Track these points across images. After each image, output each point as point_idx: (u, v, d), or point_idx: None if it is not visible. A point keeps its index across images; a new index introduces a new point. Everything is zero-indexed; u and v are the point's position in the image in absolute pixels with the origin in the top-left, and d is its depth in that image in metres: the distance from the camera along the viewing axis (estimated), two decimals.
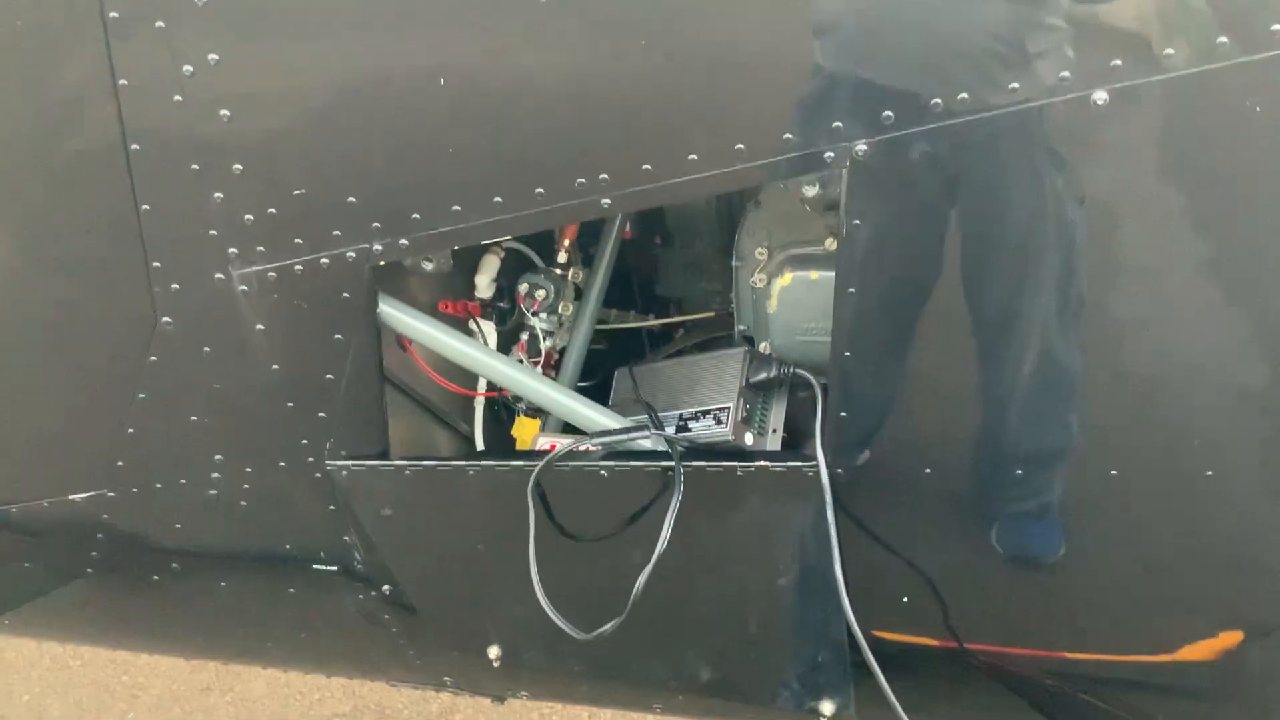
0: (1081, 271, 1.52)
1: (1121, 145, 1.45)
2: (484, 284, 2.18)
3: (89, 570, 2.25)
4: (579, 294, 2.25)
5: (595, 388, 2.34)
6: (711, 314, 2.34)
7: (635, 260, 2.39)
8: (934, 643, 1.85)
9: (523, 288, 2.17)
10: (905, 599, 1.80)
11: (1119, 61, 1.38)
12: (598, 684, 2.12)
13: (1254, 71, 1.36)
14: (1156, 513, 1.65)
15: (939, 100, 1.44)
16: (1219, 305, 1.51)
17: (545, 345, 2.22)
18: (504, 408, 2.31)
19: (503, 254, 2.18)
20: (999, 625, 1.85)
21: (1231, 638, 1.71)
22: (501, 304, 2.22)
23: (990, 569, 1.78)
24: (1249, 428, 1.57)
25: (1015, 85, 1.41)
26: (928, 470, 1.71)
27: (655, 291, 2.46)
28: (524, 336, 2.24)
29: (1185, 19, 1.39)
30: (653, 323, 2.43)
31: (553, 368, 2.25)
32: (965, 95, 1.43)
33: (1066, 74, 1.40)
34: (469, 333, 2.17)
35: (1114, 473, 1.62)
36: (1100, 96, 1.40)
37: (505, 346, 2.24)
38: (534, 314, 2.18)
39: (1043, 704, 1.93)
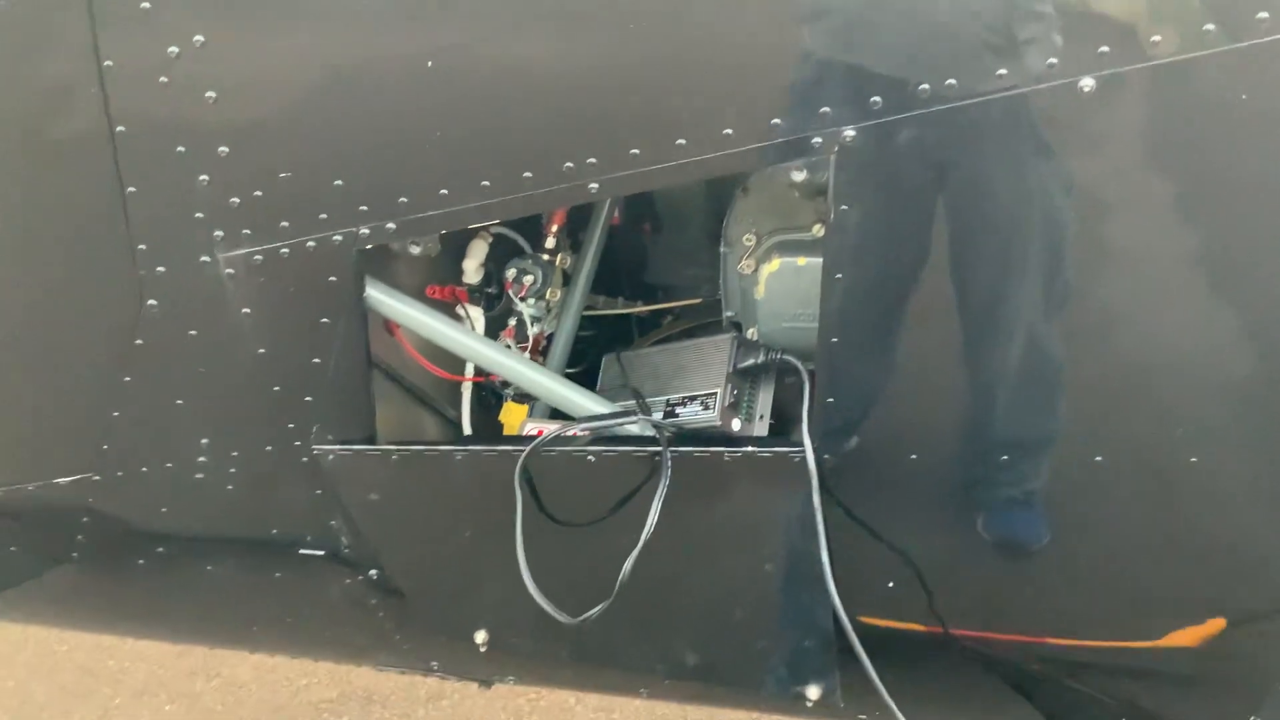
0: (1068, 259, 1.53)
1: (1109, 132, 1.46)
2: (472, 269, 2.17)
3: (74, 555, 2.24)
4: (567, 280, 2.24)
5: (583, 374, 2.34)
6: (699, 300, 2.34)
7: (623, 246, 2.39)
8: (920, 628, 1.85)
9: (510, 273, 2.16)
10: (891, 584, 1.81)
11: (1106, 49, 1.39)
12: (584, 669, 2.13)
13: (1241, 59, 1.36)
14: (1141, 499, 1.66)
15: (927, 86, 1.45)
16: (1205, 294, 1.52)
17: (533, 331, 2.22)
18: (491, 393, 2.31)
19: (491, 239, 2.17)
20: (984, 611, 1.85)
21: (1215, 624, 1.72)
22: (489, 289, 2.21)
23: (975, 555, 1.79)
24: (1234, 416, 1.58)
25: (1003, 72, 1.42)
26: (914, 456, 1.71)
27: (643, 278, 2.46)
28: (512, 322, 2.23)
29: (1172, 6, 1.40)
30: (640, 309, 2.43)
31: (540, 353, 2.25)
32: (953, 81, 1.43)
33: (1054, 61, 1.41)
34: (456, 318, 2.17)
35: (1098, 459, 1.63)
36: (1088, 83, 1.40)
37: (493, 332, 2.23)
38: (522, 299, 2.17)
39: (1028, 689, 1.94)
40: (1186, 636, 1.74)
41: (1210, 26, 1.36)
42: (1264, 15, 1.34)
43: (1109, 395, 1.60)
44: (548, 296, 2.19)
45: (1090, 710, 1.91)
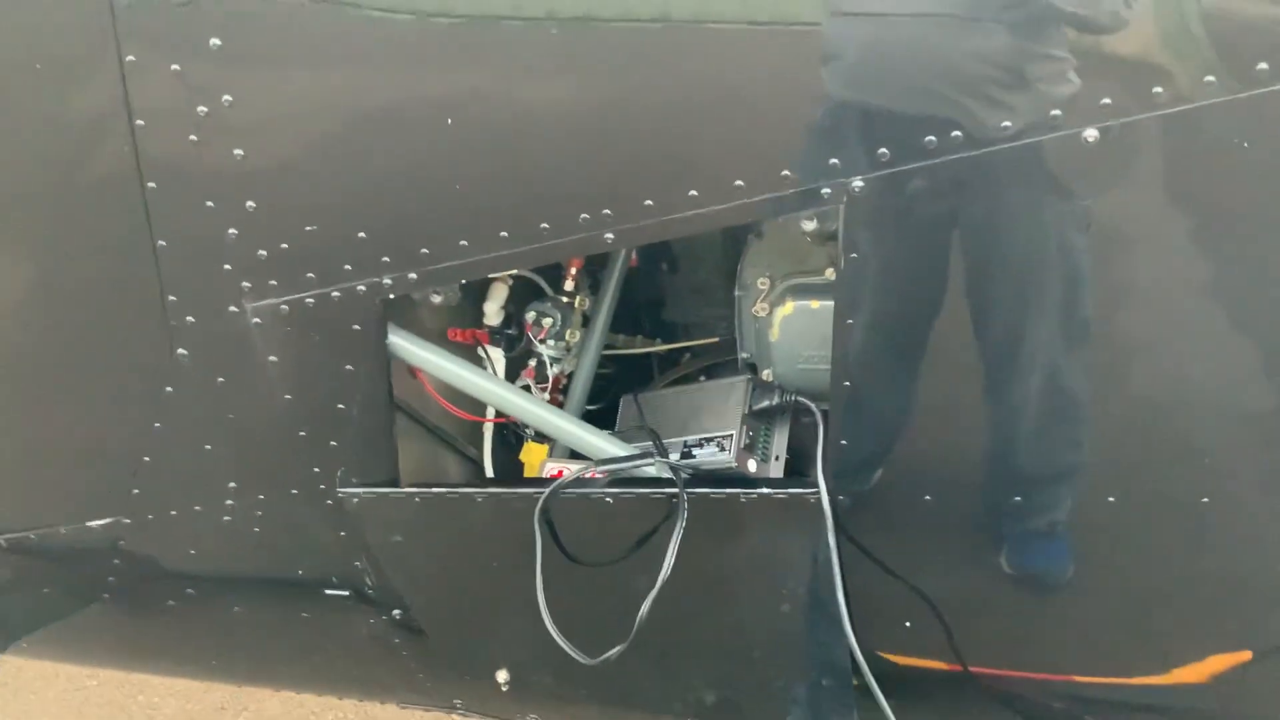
0: (1071, 306, 1.55)
1: (1112, 181, 1.48)
2: (492, 312, 2.21)
3: (105, 595, 2.28)
4: (586, 321, 2.28)
5: (603, 410, 2.37)
6: (716, 340, 2.37)
7: (641, 286, 2.42)
8: (939, 666, 1.86)
9: (530, 316, 2.20)
10: (908, 623, 1.82)
11: (1109, 100, 1.41)
12: (605, 707, 2.14)
13: (1241, 109, 1.38)
14: (1158, 536, 1.67)
15: (933, 138, 1.47)
16: (1213, 335, 1.54)
17: (553, 371, 2.25)
18: (512, 433, 2.34)
19: (511, 282, 2.21)
20: (1003, 649, 1.86)
21: (1235, 659, 1.73)
22: (510, 331, 2.24)
23: (994, 592, 1.80)
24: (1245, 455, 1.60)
25: (1008, 124, 1.44)
26: (928, 496, 1.73)
27: (661, 316, 2.49)
28: (532, 363, 2.26)
29: (1174, 58, 1.41)
30: (659, 348, 2.46)
31: (560, 392, 2.28)
32: (959, 134, 1.46)
33: (1058, 112, 1.43)
34: (478, 360, 2.20)
35: (1111, 499, 1.64)
36: (1091, 134, 1.42)
37: (513, 372, 2.27)
38: (541, 341, 2.20)
39: None
40: (1205, 672, 1.75)
41: (1211, 78, 1.38)
42: (1264, 66, 1.36)
43: (1121, 438, 1.62)
44: (567, 338, 2.23)
45: None
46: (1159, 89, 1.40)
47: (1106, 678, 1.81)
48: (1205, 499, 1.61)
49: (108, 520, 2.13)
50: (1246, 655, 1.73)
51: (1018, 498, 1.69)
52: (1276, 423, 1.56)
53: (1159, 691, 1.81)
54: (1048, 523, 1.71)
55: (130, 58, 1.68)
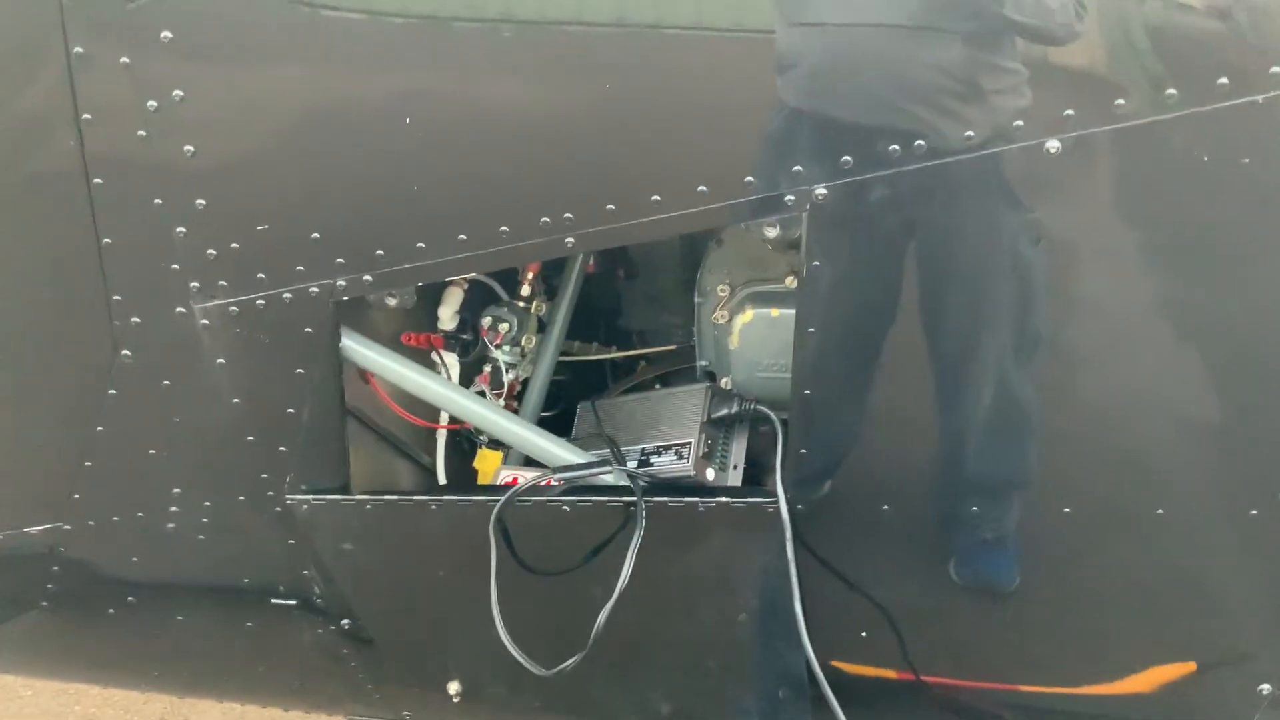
0: (1034, 312, 1.56)
1: (1074, 191, 1.49)
2: (447, 316, 2.18)
3: (43, 603, 2.21)
4: (542, 326, 2.26)
5: (558, 417, 2.34)
6: (673, 347, 2.36)
7: (598, 293, 2.41)
8: (892, 675, 1.86)
9: (486, 321, 2.17)
10: (864, 633, 1.82)
11: (1071, 111, 1.42)
12: (560, 718, 2.12)
13: (1202, 123, 1.39)
14: (1108, 546, 1.68)
15: (897, 147, 1.47)
16: (1173, 348, 1.55)
17: (508, 377, 2.22)
18: (466, 439, 2.31)
19: (466, 286, 2.18)
20: (955, 658, 1.86)
21: (1182, 669, 1.74)
22: (465, 336, 2.21)
23: (946, 601, 1.80)
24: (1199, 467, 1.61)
25: (970, 134, 1.45)
26: (886, 506, 1.72)
27: (618, 323, 2.47)
28: (487, 368, 2.24)
29: (1136, 71, 1.43)
30: (615, 355, 2.44)
31: (515, 398, 2.26)
32: (922, 143, 1.46)
33: (1020, 123, 1.44)
34: (432, 365, 2.17)
35: (1066, 510, 1.65)
36: (1053, 145, 1.43)
37: (468, 378, 2.24)
38: (497, 346, 2.18)
39: None
40: (1154, 682, 1.76)
41: (1172, 91, 1.39)
42: (1224, 81, 1.37)
43: (1076, 446, 1.62)
44: (523, 343, 2.20)
45: None
46: (1121, 101, 1.41)
47: (1057, 687, 1.81)
48: (1160, 510, 1.62)
49: (46, 526, 2.08)
50: (1191, 666, 1.74)
51: (975, 507, 1.69)
52: (1232, 434, 1.57)
53: (1108, 701, 1.81)
54: (998, 534, 1.71)
55: (78, 50, 1.65)
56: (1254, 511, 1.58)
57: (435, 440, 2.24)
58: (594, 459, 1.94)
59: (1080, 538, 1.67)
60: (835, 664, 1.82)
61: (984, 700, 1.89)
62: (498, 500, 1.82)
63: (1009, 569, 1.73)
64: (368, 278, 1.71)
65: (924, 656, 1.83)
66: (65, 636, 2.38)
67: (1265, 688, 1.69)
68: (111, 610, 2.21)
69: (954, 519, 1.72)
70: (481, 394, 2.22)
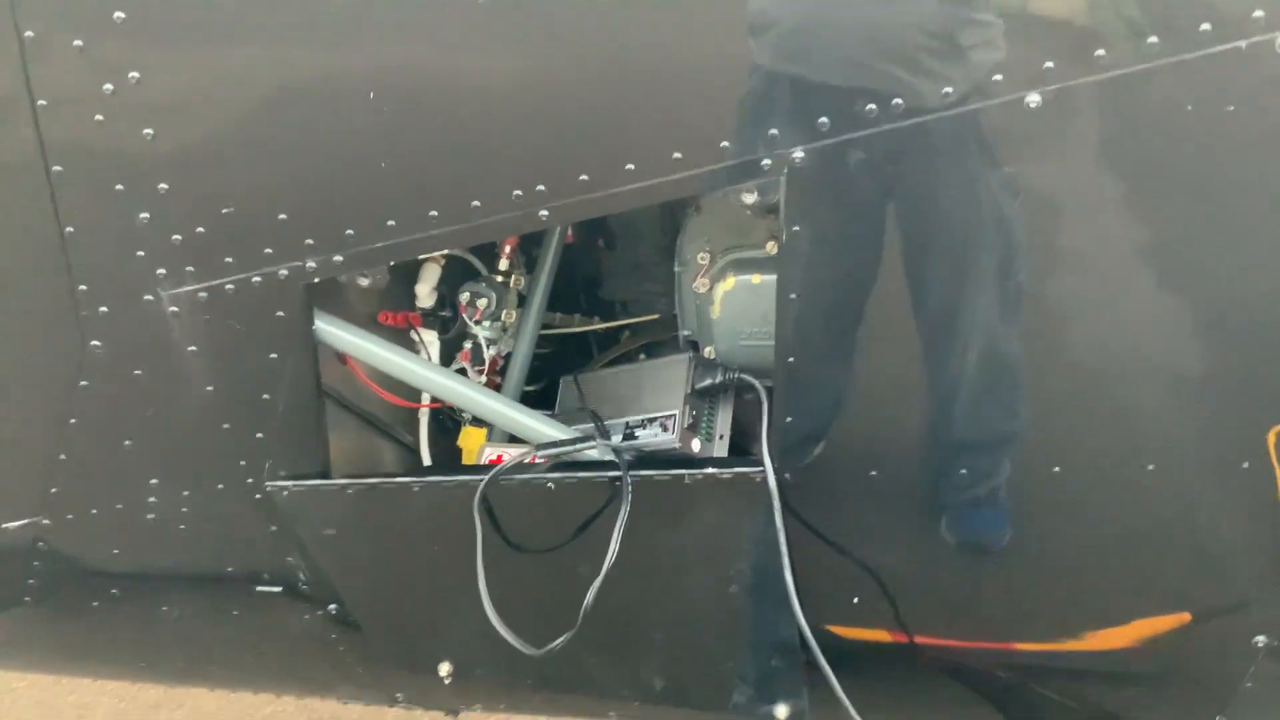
0: (1018, 270, 1.53)
1: (1056, 145, 1.46)
2: (425, 293, 2.15)
3: (26, 599, 2.19)
4: (522, 300, 2.23)
5: (541, 391, 2.32)
6: (656, 316, 2.33)
7: (578, 264, 2.38)
8: (886, 638, 1.85)
9: (464, 296, 2.14)
10: (856, 599, 1.80)
11: (1051, 64, 1.39)
12: (552, 695, 2.11)
13: (1185, 71, 1.37)
14: (1099, 502, 1.66)
15: (874, 106, 1.45)
16: (1154, 301, 1.53)
17: (489, 353, 2.20)
18: (449, 418, 2.28)
19: (443, 262, 2.15)
20: (949, 619, 1.85)
21: (1178, 619, 1.73)
22: (444, 313, 2.19)
23: (938, 563, 1.79)
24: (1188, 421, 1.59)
25: (948, 90, 1.42)
26: (874, 470, 1.71)
27: (599, 294, 2.44)
28: (467, 345, 2.21)
29: (1116, 20, 1.40)
30: (597, 326, 2.41)
31: (497, 374, 2.23)
32: (899, 101, 1.43)
33: (999, 77, 1.41)
34: (411, 344, 2.14)
35: (1056, 469, 1.64)
36: (1033, 99, 1.40)
37: (449, 355, 2.21)
38: (476, 322, 2.15)
39: (996, 697, 1.94)
40: (1140, 637, 1.75)
41: (1154, 39, 1.37)
42: (1207, 28, 1.35)
43: (1063, 402, 1.61)
44: (503, 318, 2.18)
45: (1058, 715, 1.91)
46: (1102, 51, 1.38)
47: (1051, 644, 1.81)
48: (1151, 466, 1.60)
49: (25, 521, 2.04)
50: (1186, 618, 1.73)
51: (964, 469, 1.68)
52: (1222, 387, 1.56)
53: (1103, 657, 1.81)
54: (989, 491, 1.70)
55: (29, 33, 1.61)
56: (1246, 465, 1.57)
57: (417, 420, 2.21)
58: (578, 434, 1.91)
59: (1070, 495, 1.66)
60: (827, 628, 1.80)
61: (978, 659, 1.89)
62: (481, 480, 1.80)
63: (999, 528, 1.73)
64: (338, 258, 1.68)
65: (917, 618, 1.82)
66: (51, 631, 2.35)
67: (1260, 639, 1.69)
68: (96, 603, 2.18)
69: (943, 480, 1.71)
70: (463, 371, 2.19)
